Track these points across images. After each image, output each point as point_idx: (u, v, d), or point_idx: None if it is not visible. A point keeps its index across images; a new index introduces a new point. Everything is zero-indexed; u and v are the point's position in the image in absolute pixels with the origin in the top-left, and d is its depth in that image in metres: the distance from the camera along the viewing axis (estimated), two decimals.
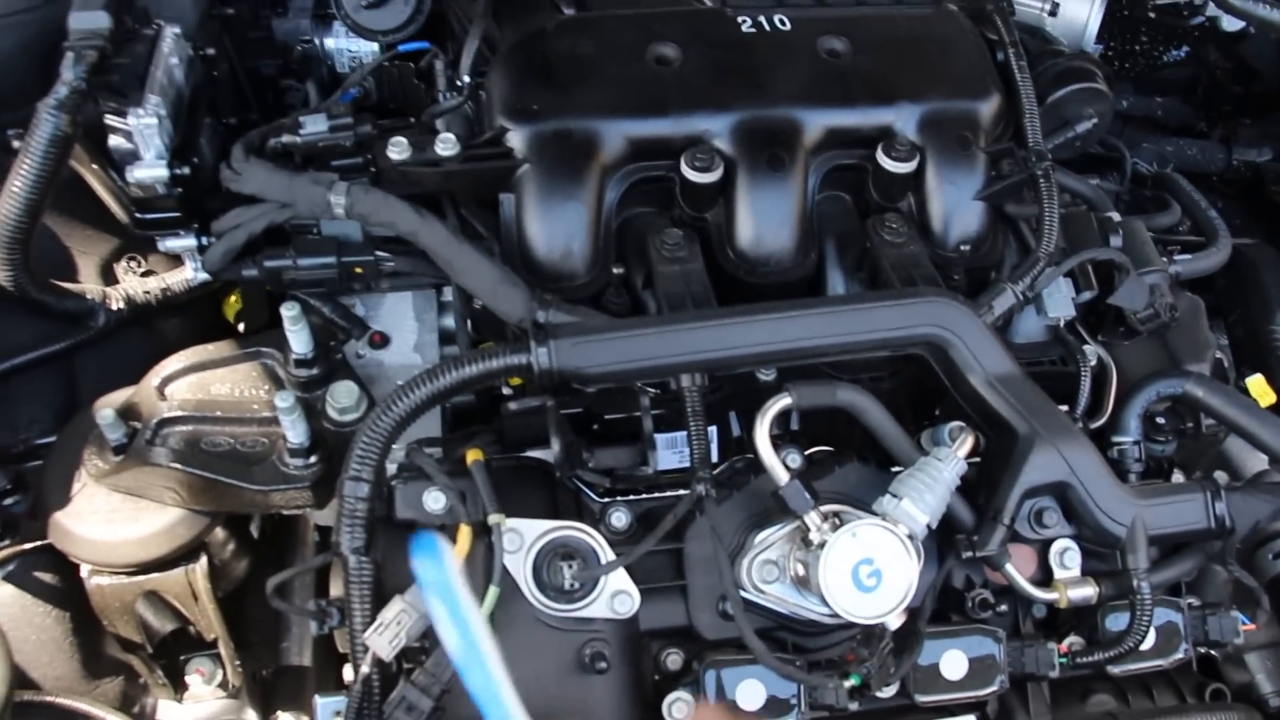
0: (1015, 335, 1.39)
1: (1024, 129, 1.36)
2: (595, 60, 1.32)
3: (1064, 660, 1.21)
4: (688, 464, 1.22)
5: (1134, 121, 2.13)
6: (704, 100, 1.30)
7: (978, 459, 1.20)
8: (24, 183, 1.28)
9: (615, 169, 1.29)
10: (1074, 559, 1.21)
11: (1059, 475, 1.17)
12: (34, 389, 1.47)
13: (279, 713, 1.45)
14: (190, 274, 1.48)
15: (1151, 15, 1.98)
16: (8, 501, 1.38)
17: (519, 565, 1.14)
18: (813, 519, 1.11)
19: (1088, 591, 1.19)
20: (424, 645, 1.12)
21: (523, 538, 1.14)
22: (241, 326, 1.59)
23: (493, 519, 1.12)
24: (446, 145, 1.25)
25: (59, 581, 1.36)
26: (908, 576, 1.09)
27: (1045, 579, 1.21)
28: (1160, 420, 1.33)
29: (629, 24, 1.37)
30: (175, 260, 1.56)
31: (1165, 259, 1.41)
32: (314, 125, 1.29)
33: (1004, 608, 1.23)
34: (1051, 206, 1.30)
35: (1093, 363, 1.36)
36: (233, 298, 1.62)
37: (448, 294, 1.41)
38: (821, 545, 1.09)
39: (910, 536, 1.10)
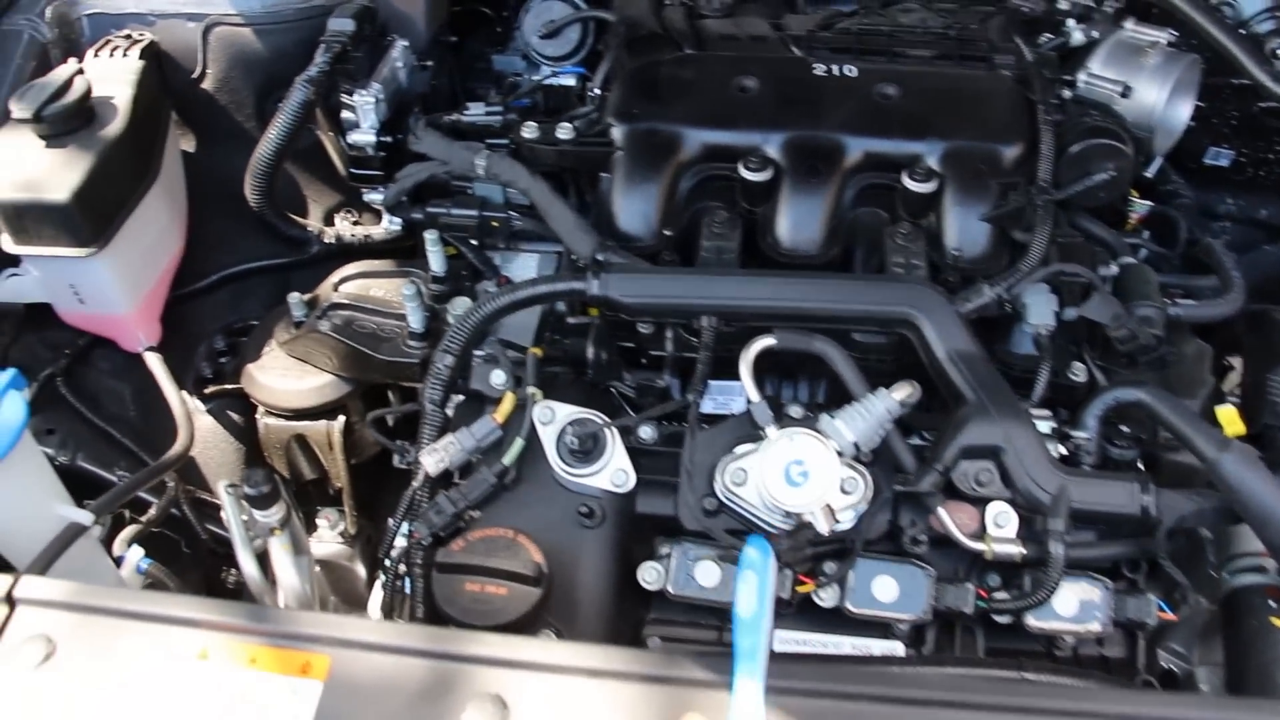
0: (1016, 347, 1.67)
1: (1037, 170, 1.67)
2: (691, 85, 1.76)
3: (982, 603, 1.46)
4: (719, 412, 1.63)
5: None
6: (765, 120, 1.70)
7: (926, 413, 1.50)
8: (277, 131, 1.84)
9: (690, 166, 1.71)
10: (1007, 520, 1.45)
11: (995, 440, 1.44)
12: (258, 289, 2.05)
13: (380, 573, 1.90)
14: (386, 225, 2.02)
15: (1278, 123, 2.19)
16: (222, 359, 1.95)
17: (548, 435, 1.54)
18: (771, 431, 1.45)
19: (1013, 549, 1.44)
20: (460, 480, 1.53)
21: (554, 414, 1.54)
22: None
23: (530, 391, 1.53)
24: (564, 131, 1.73)
25: (242, 422, 1.90)
26: (830, 478, 1.40)
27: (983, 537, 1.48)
28: (1124, 428, 1.56)
29: (725, 62, 1.80)
30: (378, 218, 2.11)
31: (1166, 300, 1.65)
32: (475, 110, 1.82)
33: (934, 550, 1.47)
34: (1043, 231, 1.59)
35: (1081, 379, 1.63)
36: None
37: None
38: None
39: (839, 451, 1.42)
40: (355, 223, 2.11)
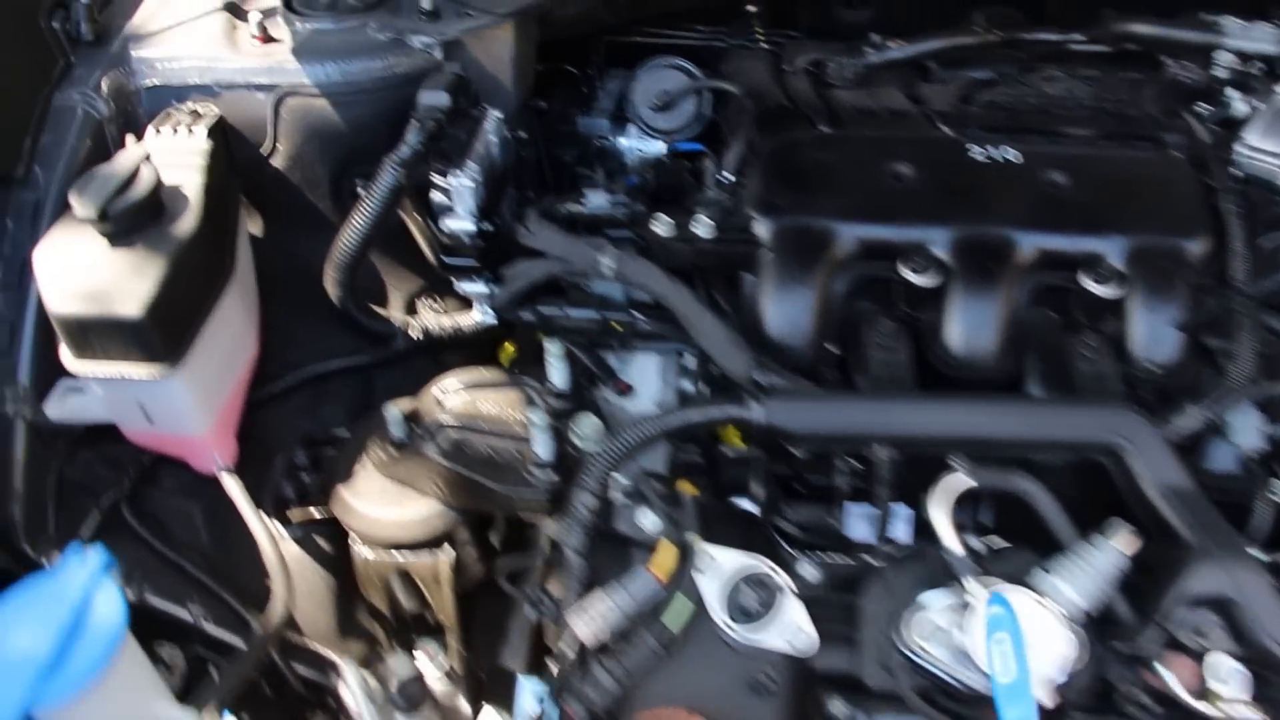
0: (1212, 464, 1.47)
1: (1229, 268, 1.47)
2: (839, 171, 1.55)
3: None
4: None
5: None
6: (928, 213, 1.49)
7: (1143, 562, 1.30)
8: (362, 219, 1.60)
9: (844, 265, 1.50)
10: (1238, 678, 1.27)
11: (1223, 589, 1.25)
12: (338, 392, 1.80)
13: (485, 705, 1.68)
14: (479, 317, 1.78)
15: None
16: (303, 475, 1.71)
17: (711, 587, 1.32)
18: (972, 583, 1.25)
19: (1247, 713, 1.26)
20: (618, 647, 1.32)
21: (717, 563, 1.33)
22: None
23: (692, 540, 1.32)
24: (703, 227, 1.50)
25: (333, 550, 1.66)
26: (1052, 647, 1.20)
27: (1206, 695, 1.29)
28: None
29: (873, 144, 1.58)
30: (466, 304, 1.88)
31: None
32: (596, 199, 1.58)
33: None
34: (1247, 341, 1.40)
35: None
36: (509, 347, 1.92)
37: (689, 360, 1.64)
38: None
39: (1061, 613, 1.22)
40: (441, 311, 1.87)
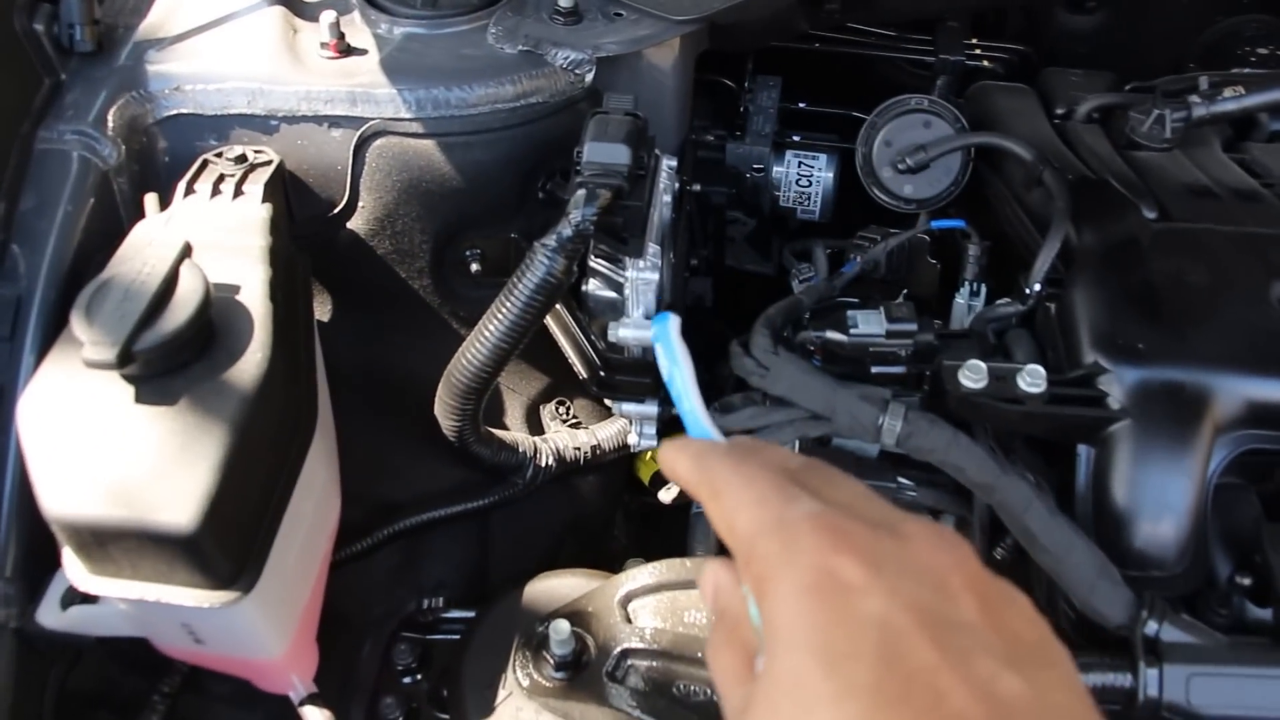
0: None
1: None
2: (1209, 292, 1.01)
3: None
4: None
5: None
6: None
7: None
8: (500, 326, 1.03)
9: (1221, 435, 0.98)
10: None
11: None
12: (445, 548, 1.24)
13: None
14: (633, 440, 1.22)
15: None
16: (408, 680, 1.15)
17: None
18: None
19: None
20: None
21: None
22: (664, 495, 1.34)
23: None
24: (1034, 381, 0.95)
25: None
26: None
27: None
28: None
29: (1242, 247, 1.05)
30: (601, 409, 1.33)
31: None
32: (868, 325, 1.01)
33: None
34: None
35: None
36: (648, 455, 1.38)
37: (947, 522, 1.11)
38: None
39: None
40: (574, 424, 1.31)
